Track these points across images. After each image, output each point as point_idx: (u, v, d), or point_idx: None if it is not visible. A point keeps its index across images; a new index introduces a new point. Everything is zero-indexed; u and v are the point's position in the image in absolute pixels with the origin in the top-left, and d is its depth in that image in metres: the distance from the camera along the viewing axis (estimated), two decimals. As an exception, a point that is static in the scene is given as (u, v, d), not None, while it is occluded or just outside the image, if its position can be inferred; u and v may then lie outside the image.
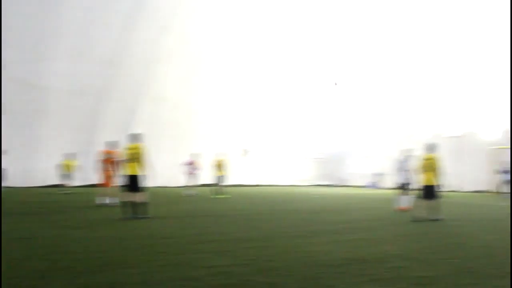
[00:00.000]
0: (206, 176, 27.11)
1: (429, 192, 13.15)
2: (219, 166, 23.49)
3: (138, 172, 12.51)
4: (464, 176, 31.51)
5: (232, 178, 36.49)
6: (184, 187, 26.34)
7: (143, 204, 12.64)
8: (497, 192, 28.44)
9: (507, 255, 7.76)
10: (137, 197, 12.55)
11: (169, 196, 22.44)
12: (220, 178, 23.52)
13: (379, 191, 32.78)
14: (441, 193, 13.34)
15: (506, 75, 29.28)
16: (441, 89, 33.29)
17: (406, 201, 15.77)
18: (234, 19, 33.81)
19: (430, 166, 13.16)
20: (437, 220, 12.94)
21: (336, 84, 36.15)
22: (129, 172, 12.53)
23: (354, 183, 39.39)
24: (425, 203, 13.19)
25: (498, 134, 30.98)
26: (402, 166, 16.07)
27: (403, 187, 16.04)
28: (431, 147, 13.55)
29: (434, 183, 13.12)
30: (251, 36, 35.02)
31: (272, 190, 32.24)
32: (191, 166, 24.46)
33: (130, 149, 12.69)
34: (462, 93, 32.09)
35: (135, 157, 12.54)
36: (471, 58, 31.66)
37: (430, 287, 5.73)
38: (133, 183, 12.50)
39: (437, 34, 32.70)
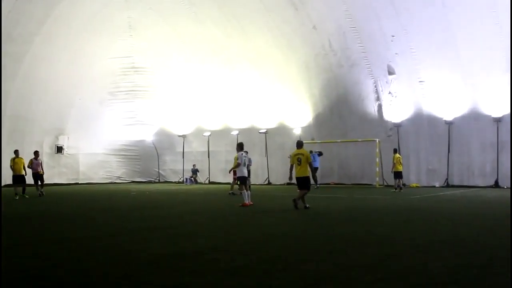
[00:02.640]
0: None
1: (303, 183, 15.04)
2: None
3: None
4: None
5: (45, 176, 35.12)
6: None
7: None
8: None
9: (311, 243, 8.47)
10: None
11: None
12: None
13: (196, 186, 33.41)
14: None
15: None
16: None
17: (247, 197, 16.02)
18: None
19: (302, 160, 15.07)
20: (307, 207, 14.64)
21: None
22: None
23: (171, 179, 39.72)
24: (301, 193, 14.93)
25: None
26: (243, 161, 16.29)
27: (243, 182, 16.28)
28: (300, 144, 15.77)
29: (307, 175, 15.04)
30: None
31: (87, 188, 31.34)
32: None
33: None
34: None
35: None
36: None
37: (243, 274, 6.06)
38: None
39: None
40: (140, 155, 40.43)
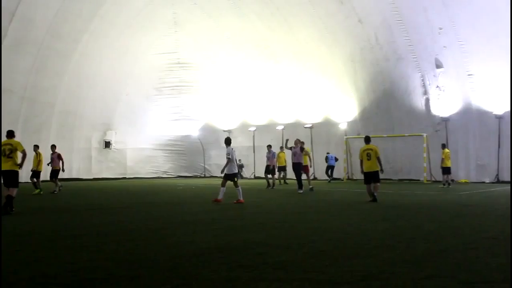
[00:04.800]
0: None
1: (372, 177, 15.63)
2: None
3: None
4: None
5: (93, 171, 36.04)
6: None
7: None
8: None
9: (358, 238, 8.43)
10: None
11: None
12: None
13: (241, 181, 33.53)
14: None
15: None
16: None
17: (222, 193, 15.48)
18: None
19: (372, 155, 15.57)
20: (373, 200, 15.25)
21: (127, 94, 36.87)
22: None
23: (216, 174, 39.95)
24: (376, 188, 15.60)
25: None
26: (234, 158, 16.02)
27: (230, 179, 15.81)
28: (368, 139, 16.18)
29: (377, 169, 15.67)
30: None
31: (135, 183, 31.89)
32: None
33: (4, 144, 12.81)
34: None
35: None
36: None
37: (291, 268, 6.06)
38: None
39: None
40: (186, 150, 40.91)
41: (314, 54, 32.26)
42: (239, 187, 15.73)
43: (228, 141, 16.29)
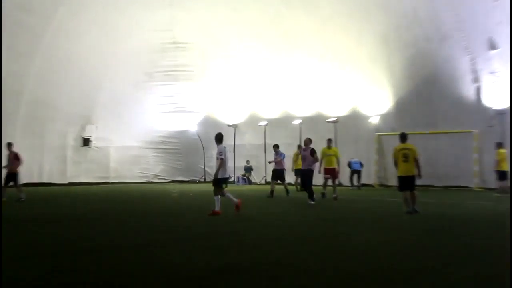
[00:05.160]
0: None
1: (408, 182, 15.50)
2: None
3: None
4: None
5: (69, 174, 36.06)
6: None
7: None
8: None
9: (394, 259, 8.37)
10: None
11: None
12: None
13: (250, 187, 33.53)
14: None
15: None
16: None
17: (220, 203, 15.31)
18: None
19: (410, 156, 15.52)
20: (413, 212, 15.00)
21: None
22: None
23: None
24: (412, 196, 15.34)
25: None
26: (227, 158, 15.98)
27: (222, 184, 15.71)
28: (405, 136, 16.04)
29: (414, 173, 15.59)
30: None
31: (120, 189, 31.94)
32: None
33: None
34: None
35: None
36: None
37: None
38: None
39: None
40: (182, 149, 40.89)
41: (340, 33, 32.11)
42: (219, 197, 15.40)
43: (219, 138, 16.28)
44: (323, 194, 22.00)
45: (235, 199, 15.54)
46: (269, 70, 35.98)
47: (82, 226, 12.93)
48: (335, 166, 22.46)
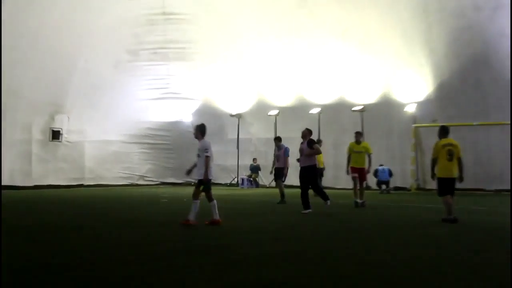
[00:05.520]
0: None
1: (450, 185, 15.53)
2: None
3: None
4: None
5: (34, 175, 35.93)
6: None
7: None
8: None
9: (432, 280, 8.18)
10: None
11: None
12: None
13: (257, 190, 33.48)
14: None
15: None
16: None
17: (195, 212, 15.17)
18: None
19: (455, 153, 15.56)
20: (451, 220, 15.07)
21: None
22: None
23: (220, 180, 39.98)
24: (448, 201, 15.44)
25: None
26: (212, 155, 15.81)
27: (208, 188, 15.53)
28: (447, 130, 16.10)
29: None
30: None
31: (97, 193, 31.80)
32: None
33: None
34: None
35: None
36: None
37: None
38: None
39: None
40: (174, 144, 41.05)
41: (368, 4, 31.99)
42: (215, 202, 15.23)
43: (202, 130, 15.91)
44: (356, 203, 21.22)
45: (192, 215, 15.06)
46: (281, 48, 35.89)
47: (49, 240, 12.80)
48: (364, 165, 21.97)
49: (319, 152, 19.85)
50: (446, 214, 15.34)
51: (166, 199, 26.82)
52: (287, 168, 24.74)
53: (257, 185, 37.49)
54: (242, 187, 37.01)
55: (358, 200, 21.19)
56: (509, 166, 29.74)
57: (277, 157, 25.00)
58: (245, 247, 11.49)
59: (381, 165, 31.37)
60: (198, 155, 15.56)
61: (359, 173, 21.62)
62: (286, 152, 24.76)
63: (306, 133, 19.79)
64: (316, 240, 12.63)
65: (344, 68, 34.21)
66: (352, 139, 22.35)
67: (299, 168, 19.44)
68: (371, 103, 33.80)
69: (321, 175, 28.48)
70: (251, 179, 37.78)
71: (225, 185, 38.93)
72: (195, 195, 15.29)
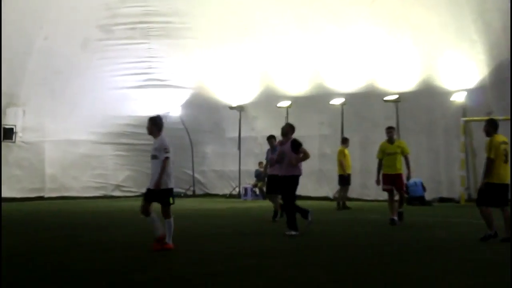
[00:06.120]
0: None
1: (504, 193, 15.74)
2: None
3: None
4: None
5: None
6: None
7: None
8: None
9: None
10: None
11: None
12: None
13: (264, 203, 33.48)
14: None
15: None
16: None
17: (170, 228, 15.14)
18: None
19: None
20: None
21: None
22: None
23: (217, 190, 40.04)
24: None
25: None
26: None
27: (168, 199, 15.35)
28: (496, 125, 16.21)
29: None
30: None
31: (61, 207, 32.00)
32: None
33: None
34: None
35: None
36: None
37: None
38: None
39: None
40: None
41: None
42: (171, 219, 15.18)
43: (158, 124, 15.74)
44: (392, 221, 21.00)
45: (170, 240, 15.04)
46: (294, 23, 35.82)
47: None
48: (400, 171, 21.94)
49: (308, 157, 18.90)
50: (490, 229, 15.47)
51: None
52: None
53: (264, 196, 37.50)
54: (245, 199, 37.03)
55: (395, 218, 20.93)
56: None
57: (270, 162, 23.94)
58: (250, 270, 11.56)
59: (408, 177, 29.43)
60: (154, 156, 15.31)
61: (394, 182, 21.55)
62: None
63: (288, 130, 19.11)
64: (339, 260, 12.66)
65: (373, 47, 34.12)
66: (385, 136, 22.27)
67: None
68: (408, 91, 33.71)
69: (347, 182, 28.55)
70: (256, 189, 37.69)
71: (224, 196, 38.95)
72: (165, 213, 15.14)
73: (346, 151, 27.56)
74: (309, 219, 18.80)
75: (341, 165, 27.03)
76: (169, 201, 15.14)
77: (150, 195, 15.11)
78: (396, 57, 33.68)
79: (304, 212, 18.89)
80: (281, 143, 19.40)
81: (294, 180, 18.58)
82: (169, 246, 14.83)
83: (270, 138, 25.06)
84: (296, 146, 18.26)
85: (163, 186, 15.12)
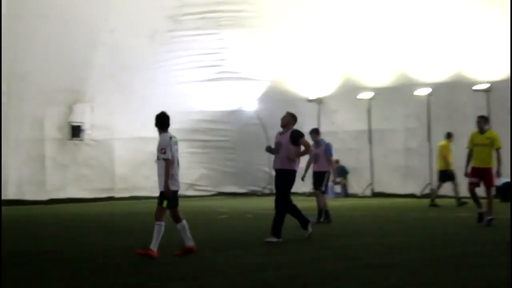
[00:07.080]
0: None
1: None
2: None
3: None
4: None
5: (49, 186, 35.85)
6: None
7: None
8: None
9: None
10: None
11: None
12: None
13: (347, 201, 32.87)
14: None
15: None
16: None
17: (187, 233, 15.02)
18: None
19: None
20: None
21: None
22: None
23: (295, 188, 39.44)
24: None
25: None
26: (175, 155, 15.82)
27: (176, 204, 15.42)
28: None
29: None
30: None
31: (137, 208, 31.93)
32: None
33: None
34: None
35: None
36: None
37: None
38: None
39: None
40: (233, 140, 40.75)
41: None
42: (163, 224, 14.69)
43: (162, 121, 15.70)
44: (480, 216, 20.28)
45: (155, 247, 14.44)
46: (376, 7, 35.08)
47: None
48: (491, 164, 20.60)
49: (309, 151, 18.43)
50: None
51: (225, 215, 26.51)
52: (329, 173, 24.12)
53: (346, 193, 36.98)
54: (329, 197, 36.52)
55: (482, 210, 20.22)
56: None
57: (314, 157, 23.66)
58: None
59: (498, 174, 27.52)
60: (157, 157, 15.40)
61: (482, 176, 20.37)
62: (328, 150, 23.89)
63: (289, 120, 17.95)
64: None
65: (462, 32, 33.28)
66: (475, 128, 21.29)
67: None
68: (500, 80, 32.89)
69: (452, 178, 27.78)
70: (338, 184, 37.18)
71: (303, 194, 38.44)
72: (157, 215, 14.83)
73: (447, 144, 27.12)
74: (309, 230, 17.93)
75: (445, 160, 26.38)
76: (162, 203, 15.00)
77: (161, 198, 15.27)
78: (487, 42, 32.79)
79: (304, 222, 18.20)
80: (281, 133, 17.99)
81: (290, 176, 18.06)
82: (152, 253, 14.16)
83: (313, 133, 24.43)
84: (296, 137, 17.34)
85: (172, 187, 15.27)
